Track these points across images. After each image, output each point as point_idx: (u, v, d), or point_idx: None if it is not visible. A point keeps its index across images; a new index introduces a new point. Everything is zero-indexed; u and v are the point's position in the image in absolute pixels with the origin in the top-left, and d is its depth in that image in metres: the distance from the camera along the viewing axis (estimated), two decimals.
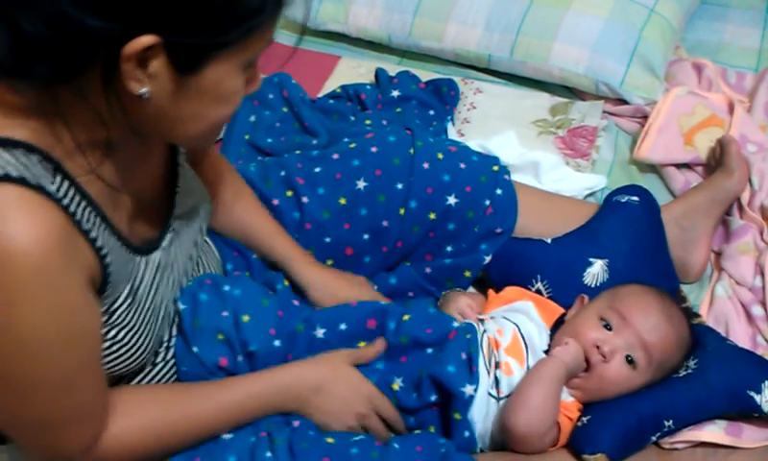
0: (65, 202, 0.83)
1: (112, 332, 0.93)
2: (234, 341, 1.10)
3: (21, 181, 0.79)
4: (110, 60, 0.78)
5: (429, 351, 1.15)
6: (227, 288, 1.14)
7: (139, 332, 0.97)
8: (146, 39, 0.76)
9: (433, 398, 1.12)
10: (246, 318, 1.12)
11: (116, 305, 0.93)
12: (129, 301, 0.95)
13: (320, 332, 1.15)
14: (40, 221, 0.79)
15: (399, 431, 1.13)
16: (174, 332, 1.10)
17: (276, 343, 1.12)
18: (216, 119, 0.88)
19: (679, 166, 1.59)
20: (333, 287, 1.25)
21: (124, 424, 0.95)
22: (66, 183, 0.84)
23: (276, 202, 1.31)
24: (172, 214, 1.06)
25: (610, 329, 1.15)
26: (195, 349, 1.09)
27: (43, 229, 0.79)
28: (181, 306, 1.10)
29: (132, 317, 0.96)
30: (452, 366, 1.11)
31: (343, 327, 1.16)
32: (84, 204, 0.86)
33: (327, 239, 1.31)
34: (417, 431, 1.13)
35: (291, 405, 1.07)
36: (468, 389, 1.11)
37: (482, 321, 1.21)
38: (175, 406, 1.01)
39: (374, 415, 1.10)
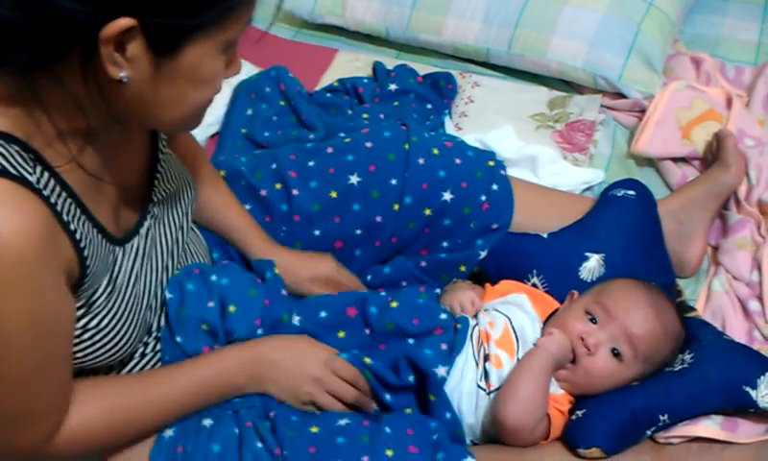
0: (46, 193, 0.83)
1: (94, 321, 0.93)
2: (218, 331, 1.11)
3: (2, 173, 0.79)
4: (88, 44, 0.78)
5: (411, 341, 1.15)
6: (214, 278, 1.14)
7: (122, 320, 0.97)
8: (123, 22, 0.76)
9: (411, 378, 1.12)
10: (232, 308, 1.12)
11: (96, 296, 0.93)
12: (108, 290, 0.94)
13: (295, 319, 1.15)
14: (22, 213, 0.79)
15: (363, 390, 1.11)
16: (163, 322, 1.10)
17: (260, 332, 1.13)
18: (196, 103, 0.88)
19: (676, 160, 1.59)
20: (305, 266, 1.25)
21: (83, 414, 0.95)
22: (46, 174, 0.84)
23: (263, 193, 1.31)
24: (150, 200, 1.05)
25: (595, 323, 1.15)
26: (178, 338, 1.09)
27: (25, 221, 0.79)
28: (168, 296, 1.10)
29: (113, 305, 0.95)
30: (429, 350, 1.12)
31: (323, 314, 1.16)
32: (64, 195, 0.86)
33: (316, 232, 1.31)
34: (407, 410, 1.13)
35: (247, 381, 1.07)
36: (441, 370, 1.11)
37: (475, 314, 1.21)
38: (131, 393, 1.01)
39: (333, 376, 1.09)
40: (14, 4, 0.74)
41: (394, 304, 1.17)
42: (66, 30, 0.76)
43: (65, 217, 0.86)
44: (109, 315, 0.95)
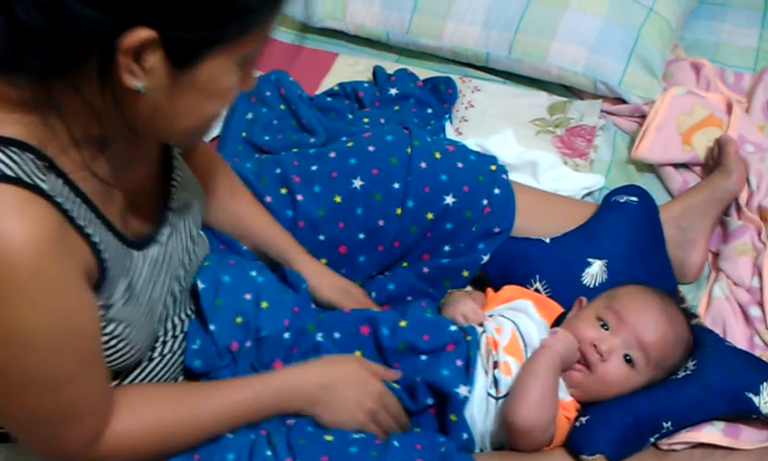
0: (60, 200, 0.83)
1: (110, 327, 0.93)
2: (252, 325, 1.11)
3: (16, 181, 0.79)
4: (106, 53, 0.77)
5: (424, 358, 1.15)
6: (253, 274, 1.15)
7: (137, 327, 0.97)
8: (143, 33, 0.76)
9: (429, 401, 1.12)
10: (264, 304, 1.12)
11: (113, 300, 0.92)
12: (126, 296, 0.94)
13: (318, 335, 1.16)
14: (36, 221, 0.79)
15: (404, 429, 1.12)
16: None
17: (286, 335, 1.13)
18: (209, 115, 0.88)
19: (677, 166, 1.59)
20: (329, 276, 1.27)
21: (126, 423, 0.95)
22: (60, 181, 0.84)
23: (269, 199, 1.31)
24: (168, 208, 1.05)
25: (607, 329, 1.15)
26: (212, 327, 1.09)
27: (39, 229, 0.79)
28: (201, 285, 1.10)
29: (130, 312, 0.95)
30: (446, 370, 1.11)
31: (336, 335, 1.17)
32: (78, 201, 0.86)
33: (321, 237, 1.30)
34: (416, 429, 1.13)
35: (299, 405, 1.06)
36: (463, 390, 1.11)
37: (481, 322, 1.21)
38: (179, 406, 1.00)
39: (384, 411, 1.10)
40: (34, 9, 0.73)
41: (403, 324, 1.16)
42: (85, 38, 0.76)
43: (80, 222, 0.85)
44: (125, 321, 0.94)
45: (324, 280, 1.26)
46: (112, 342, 0.94)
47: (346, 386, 1.08)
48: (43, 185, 0.81)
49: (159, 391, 1.03)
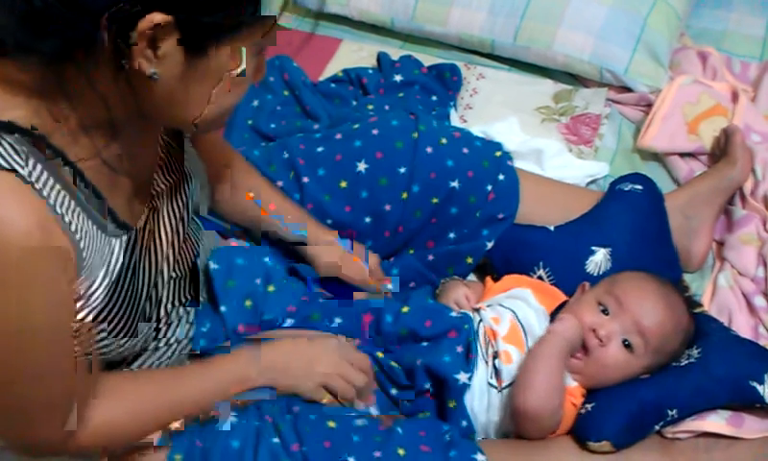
0: (38, 186, 0.81)
1: (91, 315, 0.92)
2: (258, 308, 1.12)
3: (10, 169, 0.78)
4: (121, 37, 0.76)
5: (425, 344, 1.15)
6: (266, 259, 1.16)
7: (120, 314, 0.96)
8: (159, 17, 0.75)
9: (427, 385, 1.12)
10: (271, 288, 1.14)
11: (93, 288, 0.91)
12: (105, 282, 0.92)
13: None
14: (29, 210, 0.78)
15: (368, 380, 1.12)
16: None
17: (289, 321, 1.13)
18: (224, 104, 0.87)
19: (682, 155, 1.58)
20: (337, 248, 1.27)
21: (103, 411, 0.94)
22: (39, 167, 0.81)
23: (280, 183, 1.32)
24: (149, 193, 1.04)
25: (607, 314, 1.15)
26: (222, 308, 1.10)
27: (31, 217, 0.78)
28: (214, 266, 1.11)
29: (111, 298, 0.94)
30: (447, 356, 1.11)
31: (338, 321, 1.17)
32: (57, 187, 0.84)
33: (329, 221, 1.31)
34: (420, 415, 1.13)
35: (259, 373, 1.06)
36: (462, 377, 1.11)
37: (478, 310, 1.21)
38: (153, 390, 1.00)
39: (348, 365, 1.09)
40: None
41: (405, 310, 1.17)
42: (98, 21, 0.74)
43: (59, 209, 0.84)
44: (107, 308, 0.93)
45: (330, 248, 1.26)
46: (94, 330, 0.93)
47: (301, 343, 1.08)
48: (22, 171, 0.79)
49: (136, 377, 1.03)
